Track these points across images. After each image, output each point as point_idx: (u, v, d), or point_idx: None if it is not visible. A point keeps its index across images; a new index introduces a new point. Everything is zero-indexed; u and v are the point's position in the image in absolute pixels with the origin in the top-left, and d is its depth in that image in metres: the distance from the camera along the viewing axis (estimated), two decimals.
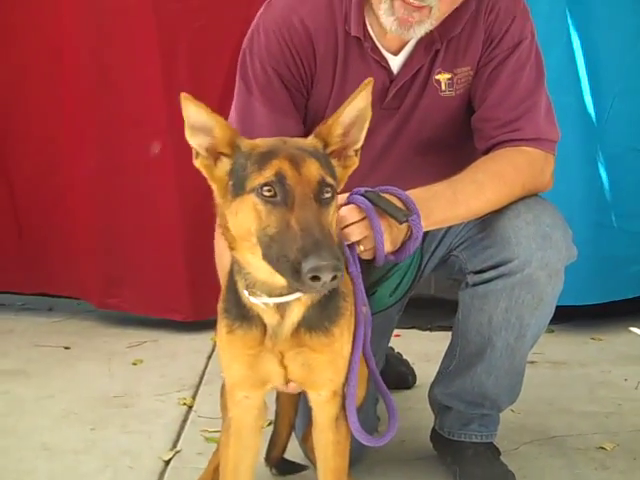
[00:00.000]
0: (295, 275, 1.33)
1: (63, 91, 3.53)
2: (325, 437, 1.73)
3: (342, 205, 1.73)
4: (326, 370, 1.66)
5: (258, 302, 1.56)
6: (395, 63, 2.05)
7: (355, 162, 1.61)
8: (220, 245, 2.00)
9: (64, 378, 3.04)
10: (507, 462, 2.22)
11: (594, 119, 3.37)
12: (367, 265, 1.83)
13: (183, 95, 1.48)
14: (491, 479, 2.12)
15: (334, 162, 1.56)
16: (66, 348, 3.39)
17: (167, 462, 2.35)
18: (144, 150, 3.48)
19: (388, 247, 1.77)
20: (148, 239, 3.56)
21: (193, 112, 1.49)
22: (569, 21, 3.28)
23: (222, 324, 1.65)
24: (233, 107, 2.08)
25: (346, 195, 1.76)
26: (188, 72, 3.37)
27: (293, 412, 2.15)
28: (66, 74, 3.49)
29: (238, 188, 1.47)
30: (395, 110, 2.09)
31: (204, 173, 1.56)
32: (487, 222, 1.99)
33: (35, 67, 3.54)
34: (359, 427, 1.71)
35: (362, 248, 1.77)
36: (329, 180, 1.45)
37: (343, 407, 1.72)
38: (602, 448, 2.41)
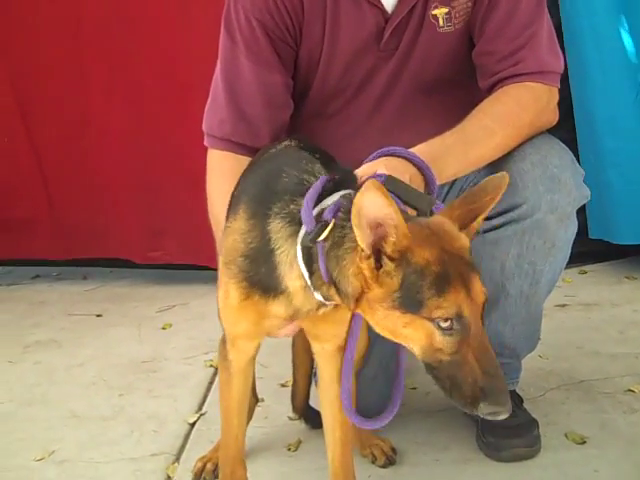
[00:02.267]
0: (470, 408, 1.36)
1: (85, 50, 3.54)
2: (331, 391, 1.71)
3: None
4: (331, 327, 1.63)
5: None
6: (389, 1, 1.95)
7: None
8: (215, 195, 1.98)
9: (94, 346, 3.09)
10: (533, 409, 2.19)
11: None
12: None
13: (373, 182, 1.29)
14: (513, 428, 2.07)
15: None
16: (98, 316, 3.45)
17: (192, 425, 2.37)
18: (174, 102, 3.50)
19: None
20: (185, 188, 3.53)
21: (376, 206, 1.30)
22: None
23: (235, 288, 1.56)
24: (219, 57, 2.03)
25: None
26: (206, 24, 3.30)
27: (309, 361, 2.13)
28: (87, 31, 3.51)
29: (410, 306, 1.35)
30: (393, 51, 2.00)
31: (365, 272, 1.37)
32: (494, 166, 1.90)
33: (56, 25, 3.53)
34: (349, 405, 1.65)
35: None
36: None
37: None
38: (630, 391, 2.35)
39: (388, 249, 1.34)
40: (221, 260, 1.64)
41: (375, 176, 1.60)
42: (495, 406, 1.33)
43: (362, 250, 1.35)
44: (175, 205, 3.65)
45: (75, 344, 3.11)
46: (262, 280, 1.54)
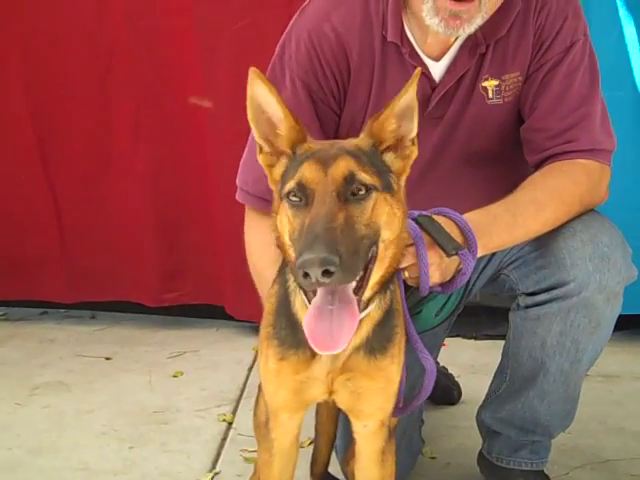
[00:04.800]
0: (297, 276, 1.28)
1: (111, 89, 3.49)
2: (370, 473, 1.66)
3: None
4: (377, 398, 1.59)
5: None
6: (437, 70, 1.95)
7: (414, 151, 1.51)
8: (256, 252, 1.95)
9: (105, 392, 3.01)
10: None
11: None
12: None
13: (253, 70, 1.43)
14: None
15: (390, 155, 1.48)
16: (107, 359, 3.37)
17: None
18: (196, 145, 3.47)
19: (436, 278, 1.67)
20: (203, 228, 3.54)
21: (261, 94, 1.46)
22: (621, 10, 3.10)
23: (271, 351, 1.56)
24: None
25: None
26: (229, 72, 3.30)
27: (333, 428, 2.10)
28: (115, 69, 3.45)
29: (281, 192, 1.44)
30: (439, 120, 1.99)
31: (265, 171, 1.51)
32: (541, 241, 1.88)
33: (83, 62, 3.47)
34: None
35: (407, 275, 1.68)
36: (362, 177, 1.37)
37: (390, 440, 1.65)
38: None
39: (283, 145, 1.46)
40: (261, 327, 1.62)
41: (409, 213, 1.63)
42: (306, 254, 1.22)
43: (263, 151, 1.49)
44: (192, 246, 3.61)
45: (84, 389, 3.04)
46: (293, 338, 1.52)
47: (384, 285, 1.49)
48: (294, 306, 1.53)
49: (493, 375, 2.15)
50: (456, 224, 1.69)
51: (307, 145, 1.46)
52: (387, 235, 1.40)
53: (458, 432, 2.56)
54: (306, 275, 1.23)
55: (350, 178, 1.36)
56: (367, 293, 1.44)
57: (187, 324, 3.76)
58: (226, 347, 3.46)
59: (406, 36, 1.92)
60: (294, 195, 1.38)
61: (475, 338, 3.52)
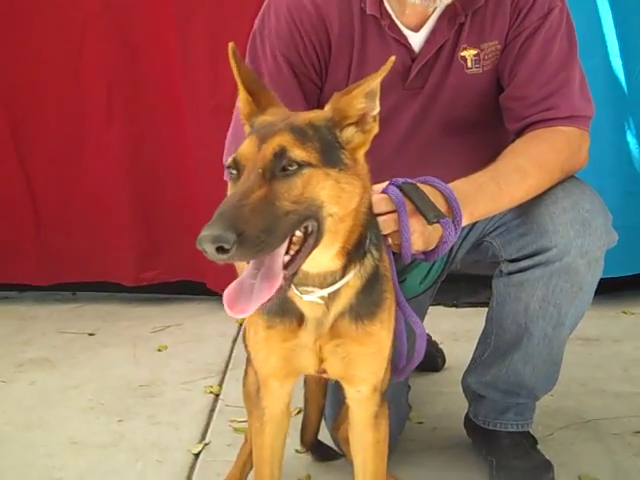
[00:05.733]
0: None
1: (83, 68, 3.44)
2: (364, 437, 1.68)
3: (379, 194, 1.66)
4: (368, 363, 1.60)
5: (313, 299, 1.50)
6: (416, 40, 1.95)
7: (374, 127, 1.49)
8: None
9: (89, 366, 3.02)
10: (543, 449, 2.18)
11: (623, 83, 3.23)
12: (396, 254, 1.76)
13: (230, 45, 1.49)
14: (529, 471, 2.07)
15: (352, 130, 1.45)
16: (90, 334, 3.37)
17: (196, 455, 2.32)
18: (170, 121, 3.45)
19: (419, 246, 1.68)
20: (181, 205, 3.53)
21: (233, 67, 1.51)
22: None
23: (259, 320, 1.58)
24: None
25: (384, 184, 1.68)
26: (205, 47, 3.29)
27: (322, 397, 2.12)
28: (87, 48, 3.41)
29: None
30: (419, 90, 2.00)
31: None
32: (523, 208, 1.90)
33: (55, 42, 3.42)
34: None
35: (390, 241, 1.69)
36: (294, 153, 1.34)
37: (383, 404, 1.67)
38: (639, 433, 2.35)
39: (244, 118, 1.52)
40: None
41: (394, 180, 1.67)
42: (202, 231, 1.23)
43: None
44: (170, 223, 3.59)
45: (69, 364, 3.04)
46: (279, 308, 1.54)
47: (352, 255, 1.48)
48: None
49: (477, 341, 2.18)
50: (441, 193, 1.70)
51: (262, 118, 1.46)
52: (334, 209, 1.38)
53: (443, 397, 2.60)
54: (205, 251, 1.24)
55: (280, 154, 1.34)
56: (332, 264, 1.46)
57: (169, 299, 3.76)
58: (209, 320, 3.46)
59: (384, 8, 1.91)
60: (232, 169, 1.38)
61: (456, 306, 3.56)
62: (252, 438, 1.78)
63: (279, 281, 1.34)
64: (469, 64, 1.97)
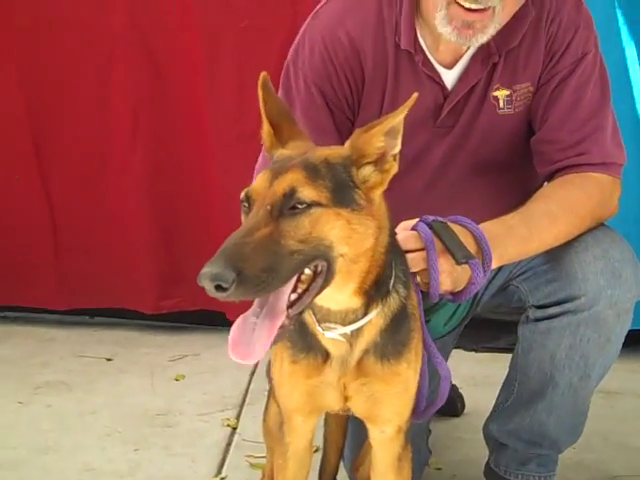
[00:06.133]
0: None
1: (110, 90, 3.45)
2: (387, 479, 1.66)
3: (408, 231, 1.66)
4: (394, 403, 1.58)
5: (334, 336, 1.48)
6: (449, 78, 1.96)
7: (394, 167, 1.46)
8: None
9: (106, 392, 3.01)
10: None
11: None
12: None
13: (262, 75, 1.52)
14: None
15: (369, 169, 1.42)
16: (108, 360, 3.37)
17: None
18: (194, 147, 3.45)
19: (447, 285, 1.66)
20: (203, 235, 3.48)
21: (260, 98, 1.51)
22: (621, 24, 3.12)
23: (285, 354, 1.57)
24: None
25: (414, 221, 1.67)
26: (232, 74, 3.30)
27: (341, 437, 2.10)
28: (114, 70, 3.42)
29: None
30: (450, 128, 2.00)
31: None
32: (552, 254, 1.89)
33: (82, 63, 3.43)
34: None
35: (419, 279, 1.68)
36: (303, 193, 1.32)
37: (406, 446, 1.65)
38: None
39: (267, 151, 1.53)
40: None
41: (424, 218, 1.66)
42: (203, 268, 1.23)
43: None
44: (191, 251, 3.55)
45: (86, 389, 3.04)
46: (304, 343, 1.53)
47: (372, 294, 1.46)
48: (306, 320, 1.52)
49: (500, 387, 2.15)
50: (471, 233, 1.69)
51: (280, 151, 1.47)
52: (345, 250, 1.36)
53: (463, 444, 2.57)
54: (204, 287, 1.24)
55: (290, 193, 1.32)
56: (352, 302, 1.44)
57: (188, 327, 3.75)
58: (227, 351, 3.43)
59: (419, 43, 1.93)
60: (244, 203, 1.38)
61: (475, 351, 3.53)
62: (273, 474, 1.76)
63: (281, 320, 1.32)
64: (501, 104, 1.97)
